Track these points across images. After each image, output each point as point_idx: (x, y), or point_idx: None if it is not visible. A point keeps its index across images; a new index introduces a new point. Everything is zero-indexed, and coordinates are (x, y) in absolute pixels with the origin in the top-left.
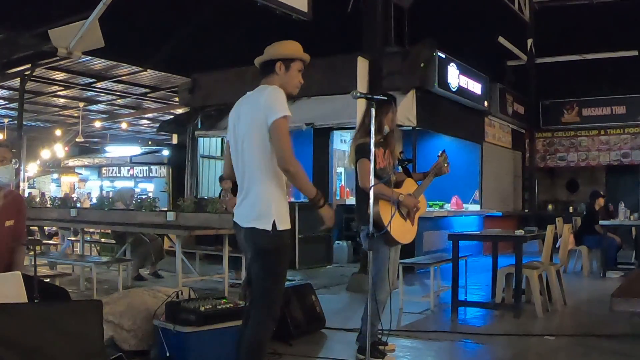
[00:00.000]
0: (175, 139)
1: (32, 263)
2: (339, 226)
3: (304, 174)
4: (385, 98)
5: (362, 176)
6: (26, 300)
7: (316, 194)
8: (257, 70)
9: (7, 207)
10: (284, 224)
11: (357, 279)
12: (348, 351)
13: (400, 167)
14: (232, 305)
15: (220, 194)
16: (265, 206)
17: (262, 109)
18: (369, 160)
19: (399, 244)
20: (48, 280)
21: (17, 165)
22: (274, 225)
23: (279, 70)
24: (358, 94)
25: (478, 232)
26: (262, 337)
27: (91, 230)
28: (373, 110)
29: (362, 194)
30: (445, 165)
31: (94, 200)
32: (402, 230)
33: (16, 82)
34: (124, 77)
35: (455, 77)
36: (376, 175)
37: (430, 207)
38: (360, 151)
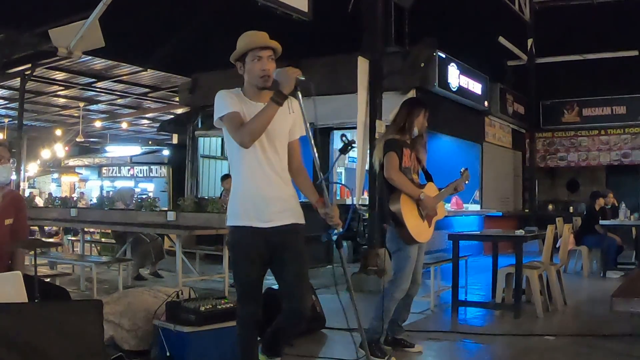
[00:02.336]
0: (175, 139)
1: (32, 263)
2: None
3: (252, 122)
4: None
5: (387, 168)
6: (26, 300)
7: (271, 100)
8: None
9: (6, 206)
10: (233, 220)
11: (357, 279)
12: (348, 351)
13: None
14: (232, 305)
15: (221, 194)
16: None
17: None
18: (397, 154)
19: (417, 243)
20: (48, 280)
21: (15, 165)
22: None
23: (240, 70)
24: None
25: (478, 232)
26: (236, 326)
27: (91, 230)
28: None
29: (386, 191)
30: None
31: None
32: (419, 229)
33: (16, 81)
34: (124, 77)
35: (455, 77)
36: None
37: None
38: (389, 145)
